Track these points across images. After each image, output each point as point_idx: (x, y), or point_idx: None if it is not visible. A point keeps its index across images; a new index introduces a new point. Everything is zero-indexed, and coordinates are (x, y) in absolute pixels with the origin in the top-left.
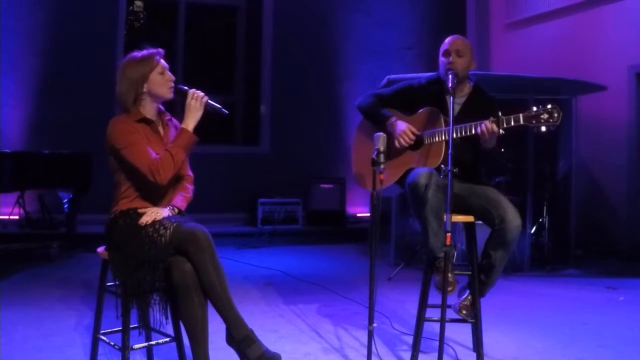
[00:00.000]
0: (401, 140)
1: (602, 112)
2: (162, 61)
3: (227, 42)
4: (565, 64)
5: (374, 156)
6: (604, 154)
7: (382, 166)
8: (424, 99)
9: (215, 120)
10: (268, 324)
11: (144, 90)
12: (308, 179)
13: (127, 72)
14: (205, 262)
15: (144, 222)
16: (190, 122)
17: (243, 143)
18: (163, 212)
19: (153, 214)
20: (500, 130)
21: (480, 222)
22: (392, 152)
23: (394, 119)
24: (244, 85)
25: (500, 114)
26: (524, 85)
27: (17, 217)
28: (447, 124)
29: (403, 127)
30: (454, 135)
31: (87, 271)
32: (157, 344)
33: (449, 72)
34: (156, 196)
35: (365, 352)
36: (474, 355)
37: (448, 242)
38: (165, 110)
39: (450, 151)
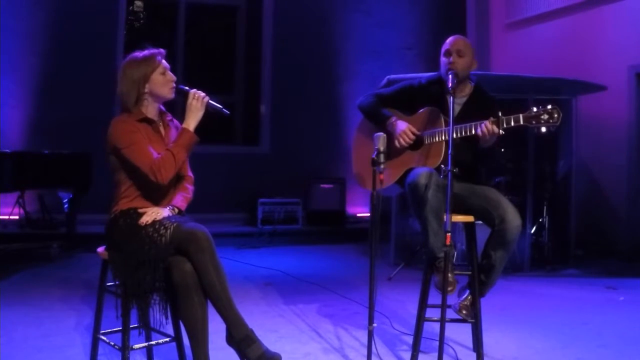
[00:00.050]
0: (401, 140)
1: (602, 112)
2: (164, 61)
3: (227, 42)
4: (565, 64)
5: (374, 156)
6: (604, 154)
7: (382, 166)
8: (425, 98)
9: (216, 120)
10: (268, 324)
11: (146, 90)
12: (308, 179)
13: (129, 72)
14: (206, 262)
15: (144, 222)
16: (192, 122)
17: (243, 143)
18: (163, 212)
19: (153, 213)
20: (500, 131)
21: (480, 222)
22: (392, 152)
23: (394, 118)
24: (244, 85)
25: (500, 114)
26: (524, 85)
27: (17, 217)
28: (447, 124)
29: (403, 127)
30: (454, 136)
31: (87, 271)
32: (157, 344)
33: (449, 72)
34: (156, 196)
35: (365, 352)
36: (474, 355)
37: (448, 242)
38: (166, 111)
39: (450, 151)
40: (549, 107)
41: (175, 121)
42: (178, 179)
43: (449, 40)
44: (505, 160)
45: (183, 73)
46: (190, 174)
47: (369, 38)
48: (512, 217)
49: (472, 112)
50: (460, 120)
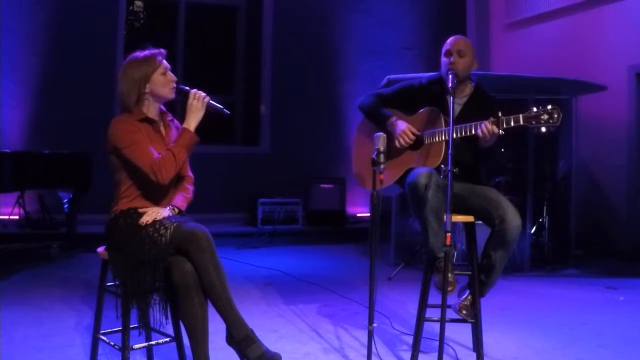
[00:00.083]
0: (401, 140)
1: (602, 112)
2: (165, 62)
3: (227, 42)
4: (565, 64)
5: (374, 156)
6: (604, 154)
7: (382, 166)
8: (425, 98)
9: (216, 120)
10: (268, 324)
11: (146, 90)
12: (308, 179)
13: (130, 72)
14: (206, 262)
15: (144, 221)
16: (192, 122)
17: (243, 143)
18: (163, 212)
19: (153, 213)
20: (500, 131)
21: (480, 222)
22: (392, 152)
23: (394, 118)
24: (244, 85)
25: (500, 115)
26: (524, 85)
27: (17, 217)
28: (447, 124)
29: (403, 127)
30: (454, 136)
31: (87, 271)
32: (157, 344)
33: (449, 72)
34: (157, 196)
35: (365, 352)
36: (474, 355)
37: (448, 242)
38: (167, 111)
39: (450, 151)
40: (549, 107)
41: (176, 121)
42: (178, 179)
43: (450, 40)
44: (505, 160)
45: (183, 73)
46: (190, 174)
47: (369, 38)
48: (512, 217)
49: (472, 112)
50: (461, 120)
